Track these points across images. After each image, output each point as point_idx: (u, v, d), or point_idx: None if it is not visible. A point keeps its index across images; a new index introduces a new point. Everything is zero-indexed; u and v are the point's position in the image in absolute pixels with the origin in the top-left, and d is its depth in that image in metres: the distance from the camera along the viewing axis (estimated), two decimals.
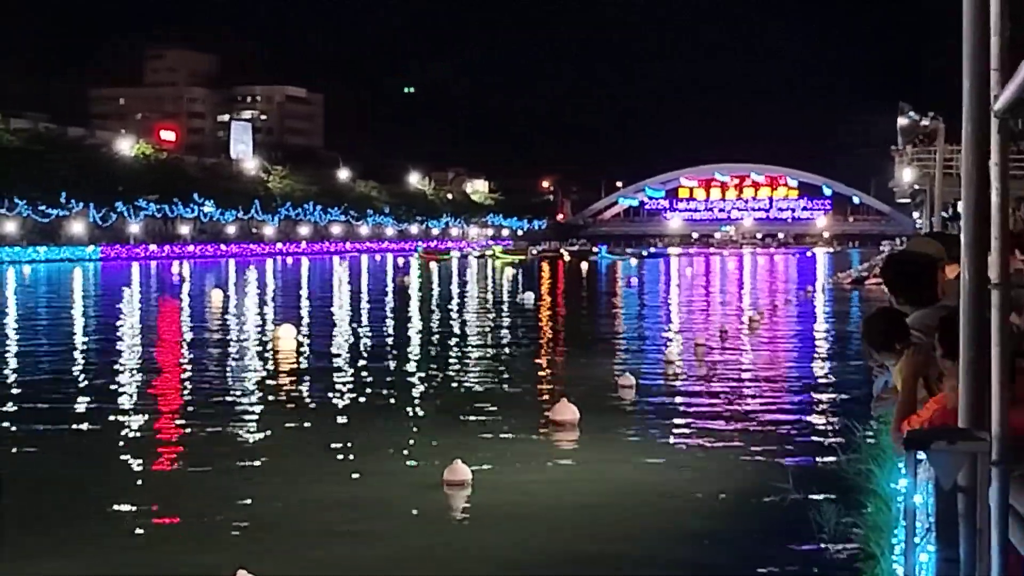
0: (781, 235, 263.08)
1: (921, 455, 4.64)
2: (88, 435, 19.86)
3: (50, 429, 20.28)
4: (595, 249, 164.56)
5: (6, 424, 20.87)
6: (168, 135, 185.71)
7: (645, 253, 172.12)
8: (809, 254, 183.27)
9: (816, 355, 33.18)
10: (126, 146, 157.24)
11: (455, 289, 71.59)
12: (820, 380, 27.47)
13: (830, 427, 20.38)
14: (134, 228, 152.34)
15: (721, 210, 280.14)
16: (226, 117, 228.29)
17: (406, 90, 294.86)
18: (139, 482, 16.32)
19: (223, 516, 14.37)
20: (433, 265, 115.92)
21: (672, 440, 19.13)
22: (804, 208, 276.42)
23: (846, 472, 13.98)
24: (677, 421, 21.10)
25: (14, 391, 25.26)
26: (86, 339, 38.08)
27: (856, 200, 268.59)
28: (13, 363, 30.77)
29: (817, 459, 17.44)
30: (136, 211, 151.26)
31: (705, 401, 23.60)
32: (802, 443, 19.04)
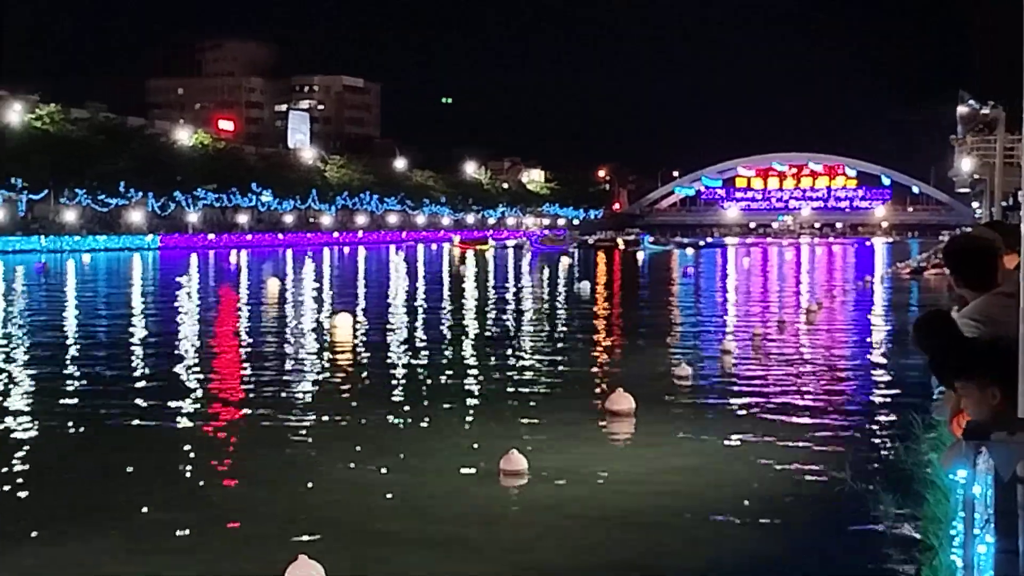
0: (839, 225, 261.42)
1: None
2: (143, 424, 20.01)
3: (106, 418, 20.45)
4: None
5: (62, 413, 21.07)
6: (226, 125, 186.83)
7: (702, 243, 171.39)
8: (868, 244, 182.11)
9: (874, 345, 32.98)
10: (185, 136, 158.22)
11: (511, 279, 71.64)
12: (878, 370, 27.29)
13: (888, 417, 20.25)
14: (192, 217, 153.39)
15: (779, 200, 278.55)
16: (284, 107, 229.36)
17: (444, 100, 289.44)
18: (193, 471, 16.44)
19: (276, 504, 14.47)
20: (470, 255, 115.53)
21: (729, 430, 19.06)
22: (862, 198, 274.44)
23: (904, 463, 13.91)
24: (734, 411, 21.04)
25: (72, 381, 25.51)
26: (144, 328, 38.37)
27: (915, 190, 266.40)
28: (73, 352, 31.05)
29: (875, 450, 17.35)
30: (195, 200, 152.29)
31: (762, 391, 23.50)
32: (860, 433, 18.94)
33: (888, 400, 22.46)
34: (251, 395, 23.19)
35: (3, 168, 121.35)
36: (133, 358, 29.34)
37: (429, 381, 25.25)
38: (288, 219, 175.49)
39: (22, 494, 14.96)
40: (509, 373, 26.32)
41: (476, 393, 23.50)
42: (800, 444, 17.93)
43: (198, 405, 21.78)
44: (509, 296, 54.19)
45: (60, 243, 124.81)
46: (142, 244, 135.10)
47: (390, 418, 20.32)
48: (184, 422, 20.02)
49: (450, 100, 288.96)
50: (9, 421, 19.88)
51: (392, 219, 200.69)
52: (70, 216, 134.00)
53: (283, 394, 23.06)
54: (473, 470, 16.08)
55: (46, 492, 15.06)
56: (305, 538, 12.92)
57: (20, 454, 17.38)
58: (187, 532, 13.29)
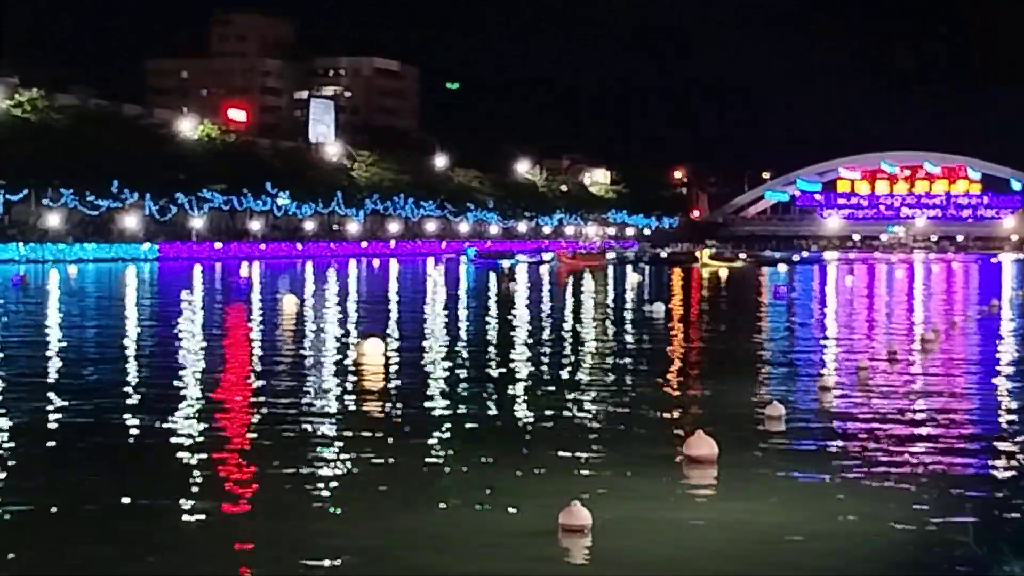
0: (960, 238, 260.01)
1: None
2: (146, 470, 20.16)
3: (92, 473, 20.56)
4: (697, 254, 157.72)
5: (58, 454, 21.27)
6: (237, 114, 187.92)
7: (796, 258, 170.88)
8: (994, 261, 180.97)
9: (1001, 383, 32.77)
10: (189, 127, 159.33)
11: (570, 299, 71.63)
12: (1006, 413, 27.13)
13: (1017, 470, 20.13)
14: (197, 223, 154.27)
15: (888, 207, 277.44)
16: (304, 94, 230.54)
17: (449, 85, 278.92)
18: (205, 517, 16.54)
19: (298, 561, 14.54)
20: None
21: (828, 482, 19.01)
22: (988, 205, 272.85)
23: None
24: (834, 459, 20.96)
25: (49, 419, 25.73)
26: (138, 354, 38.64)
27: None
28: (51, 383, 31.28)
29: (1001, 507, 17.24)
30: (200, 203, 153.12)
31: (868, 436, 23.39)
32: (984, 488, 18.82)
33: (1017, 448, 22.32)
34: (263, 433, 23.30)
35: None
36: (124, 391, 29.53)
37: (475, 418, 25.29)
38: (309, 226, 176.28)
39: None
40: (569, 411, 26.33)
41: (530, 434, 23.52)
42: (912, 500, 17.84)
43: (199, 446, 21.88)
44: (567, 319, 54.20)
45: (42, 252, 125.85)
46: (138, 253, 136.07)
47: (428, 462, 20.38)
48: (184, 467, 20.12)
49: (457, 85, 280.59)
50: None
51: (430, 227, 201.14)
52: (54, 220, 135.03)
53: (300, 433, 23.15)
54: (527, 525, 16.10)
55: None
56: None
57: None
58: None
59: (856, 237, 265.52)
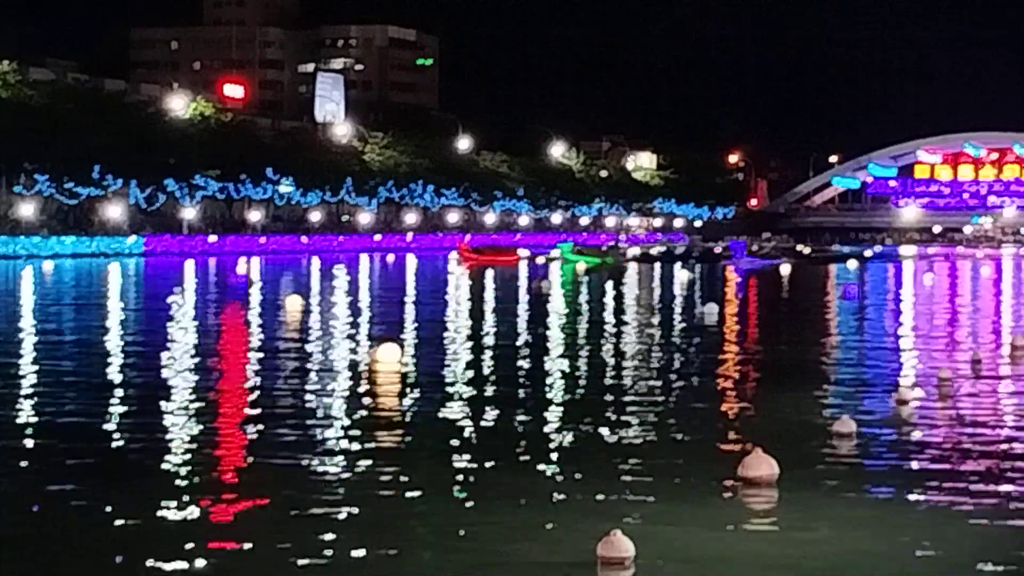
0: None
1: None
2: (133, 483, 20.22)
3: (89, 488, 20.62)
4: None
5: (40, 471, 21.36)
6: (234, 91, 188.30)
7: (868, 253, 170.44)
8: None
9: None
10: (179, 105, 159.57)
11: (610, 299, 71.58)
12: None
13: None
14: (189, 213, 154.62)
15: (973, 195, 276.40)
16: (310, 67, 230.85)
17: (420, 62, 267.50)
18: (199, 549, 16.60)
19: None
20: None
21: (904, 506, 18.96)
22: None
23: None
24: (911, 483, 20.87)
25: (37, 435, 25.81)
26: (123, 361, 38.70)
27: None
28: (22, 401, 31.32)
29: None
30: (192, 191, 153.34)
31: (950, 456, 23.32)
32: None
33: None
34: (264, 452, 23.31)
35: None
36: (107, 405, 29.59)
37: (503, 434, 25.28)
38: (315, 216, 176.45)
39: None
40: (610, 426, 26.28)
41: (565, 453, 23.49)
42: (999, 526, 17.78)
43: (194, 467, 21.91)
44: (608, 322, 54.14)
45: (13, 246, 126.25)
46: (122, 248, 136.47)
47: (451, 483, 20.36)
48: (177, 489, 20.15)
49: (429, 62, 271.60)
50: None
51: (452, 217, 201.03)
52: (27, 210, 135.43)
53: (306, 449, 23.15)
54: (562, 556, 16.09)
55: None
56: None
57: None
58: None
59: (936, 229, 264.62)
